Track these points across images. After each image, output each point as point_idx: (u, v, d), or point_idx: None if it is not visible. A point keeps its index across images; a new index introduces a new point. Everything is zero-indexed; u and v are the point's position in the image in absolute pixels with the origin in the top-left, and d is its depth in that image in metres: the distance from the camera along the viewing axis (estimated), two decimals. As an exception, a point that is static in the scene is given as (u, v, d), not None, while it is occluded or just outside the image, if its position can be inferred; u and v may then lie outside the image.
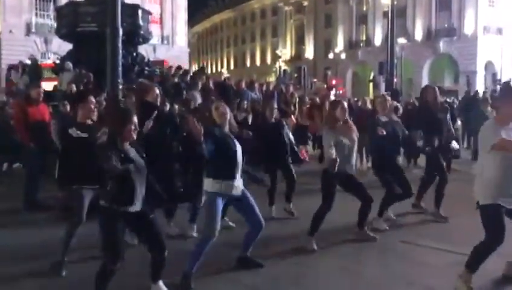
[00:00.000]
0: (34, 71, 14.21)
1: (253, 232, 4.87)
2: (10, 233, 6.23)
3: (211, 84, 13.29)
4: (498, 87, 31.54)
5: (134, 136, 3.96)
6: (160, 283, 4.23)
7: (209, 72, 73.46)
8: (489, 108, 12.09)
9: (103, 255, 4.01)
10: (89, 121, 5.06)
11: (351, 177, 5.68)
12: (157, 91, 6.06)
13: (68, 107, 8.97)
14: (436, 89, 7.23)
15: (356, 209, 5.87)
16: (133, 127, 3.91)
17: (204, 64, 74.22)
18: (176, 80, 13.31)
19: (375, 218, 6.35)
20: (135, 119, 3.95)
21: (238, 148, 4.66)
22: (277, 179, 7.11)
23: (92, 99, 5.16)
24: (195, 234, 5.98)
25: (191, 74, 14.66)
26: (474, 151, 11.82)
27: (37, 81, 10.66)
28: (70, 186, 4.98)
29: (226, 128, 4.71)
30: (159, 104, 6.06)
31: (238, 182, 4.66)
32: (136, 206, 3.92)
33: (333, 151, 5.32)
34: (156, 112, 5.74)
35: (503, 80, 37.70)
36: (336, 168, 5.23)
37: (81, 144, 4.81)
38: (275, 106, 7.25)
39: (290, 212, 7.11)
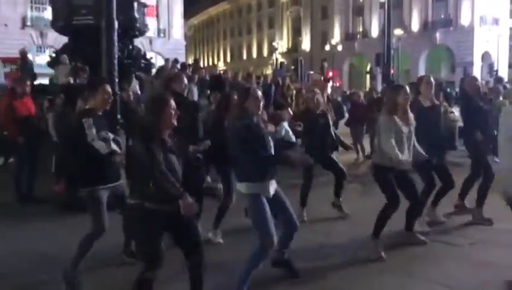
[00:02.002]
0: (24, 65, 14.17)
1: (286, 231, 4.39)
2: (3, 228, 6.22)
3: (207, 77, 13.28)
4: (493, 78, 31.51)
5: (175, 123, 3.49)
6: None
7: (206, 64, 73.31)
8: (501, 98, 11.43)
9: (140, 261, 3.52)
10: (100, 113, 4.49)
11: (404, 171, 5.17)
12: (186, 81, 5.67)
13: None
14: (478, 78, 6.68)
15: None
16: (172, 112, 3.47)
17: (199, 57, 74.06)
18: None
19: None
20: (173, 103, 3.51)
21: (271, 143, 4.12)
22: (313, 178, 6.59)
23: (108, 88, 4.57)
24: (221, 240, 5.54)
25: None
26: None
27: (24, 75, 10.61)
28: (82, 190, 4.38)
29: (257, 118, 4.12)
30: (185, 94, 5.72)
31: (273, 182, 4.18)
32: (175, 204, 3.40)
33: (397, 151, 4.86)
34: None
35: (499, 70, 37.78)
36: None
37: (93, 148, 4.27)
38: (320, 97, 6.65)
39: (339, 206, 6.68)
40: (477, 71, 41.47)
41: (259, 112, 4.17)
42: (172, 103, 3.50)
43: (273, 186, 4.16)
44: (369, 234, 5.19)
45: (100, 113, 4.50)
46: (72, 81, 10.66)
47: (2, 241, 5.67)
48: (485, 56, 43.29)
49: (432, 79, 6.21)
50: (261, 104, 4.15)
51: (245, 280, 3.99)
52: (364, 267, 4.89)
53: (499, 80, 15.54)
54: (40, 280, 4.61)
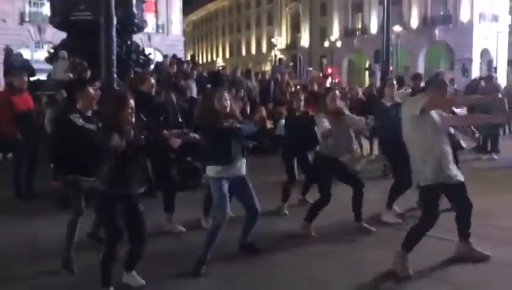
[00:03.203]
0: (7, 61, 14.21)
1: (250, 217, 5.00)
2: (2, 224, 6.22)
3: (205, 74, 13.28)
4: (494, 75, 31.48)
5: (132, 120, 4.00)
6: (134, 272, 4.29)
7: (205, 61, 73.29)
8: (500, 95, 11.61)
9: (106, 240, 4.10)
10: (89, 113, 4.89)
11: (342, 163, 5.78)
12: (152, 81, 6.05)
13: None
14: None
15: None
16: (130, 111, 3.97)
17: (198, 53, 73.94)
18: (175, 69, 13.26)
19: (384, 211, 6.25)
20: (132, 103, 4.00)
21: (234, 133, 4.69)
22: (295, 175, 6.88)
23: (91, 89, 5.06)
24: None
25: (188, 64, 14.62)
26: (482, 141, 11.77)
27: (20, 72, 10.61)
28: (65, 177, 4.79)
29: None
30: (153, 93, 6.06)
31: (237, 164, 4.75)
32: (129, 190, 4.00)
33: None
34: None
35: (498, 67, 37.80)
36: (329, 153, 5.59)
37: (84, 134, 4.63)
38: (302, 97, 7.02)
39: (305, 200, 7.00)
40: (476, 68, 41.48)
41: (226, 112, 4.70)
42: (131, 102, 4.00)
43: (231, 171, 4.70)
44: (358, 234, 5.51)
45: (89, 114, 4.86)
46: (71, 76, 10.65)
47: (1, 238, 5.67)
48: (484, 53, 43.26)
49: (394, 82, 6.81)
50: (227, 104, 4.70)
51: (209, 245, 4.68)
52: (361, 264, 4.90)
53: (489, 77, 15.60)
54: (39, 271, 4.68)
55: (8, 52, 15.25)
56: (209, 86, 12.10)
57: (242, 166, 4.83)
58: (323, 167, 5.73)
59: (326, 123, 5.50)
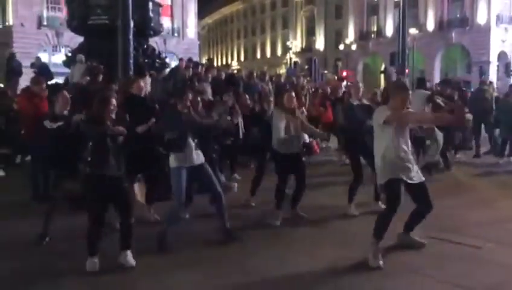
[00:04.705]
0: (9, 65, 14.39)
1: (217, 202, 5.45)
2: (16, 224, 6.33)
3: (222, 76, 13.30)
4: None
5: (113, 116, 4.70)
6: (128, 252, 4.70)
7: (220, 64, 73.47)
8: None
9: (88, 217, 4.66)
10: (66, 112, 5.65)
11: (296, 157, 6.33)
12: (142, 83, 6.32)
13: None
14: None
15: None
16: (111, 108, 4.69)
17: (213, 56, 74.18)
18: (191, 72, 13.30)
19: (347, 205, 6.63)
20: (113, 101, 4.72)
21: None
22: (264, 171, 7.31)
23: (66, 94, 5.80)
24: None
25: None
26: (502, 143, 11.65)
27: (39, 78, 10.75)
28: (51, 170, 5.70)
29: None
30: (143, 94, 6.30)
31: (192, 154, 5.27)
32: (109, 171, 4.60)
33: (282, 134, 6.12)
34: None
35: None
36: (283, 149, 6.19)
37: (55, 133, 5.42)
38: (271, 98, 7.59)
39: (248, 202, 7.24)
40: (493, 71, 41.02)
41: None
42: (113, 101, 4.74)
43: (186, 160, 5.23)
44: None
45: (65, 114, 5.62)
46: (89, 79, 10.73)
47: (16, 239, 5.76)
48: (501, 56, 42.78)
49: (360, 84, 7.19)
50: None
51: (166, 231, 5.21)
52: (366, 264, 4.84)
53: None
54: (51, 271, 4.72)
55: (11, 56, 15.47)
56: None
57: (198, 156, 5.32)
58: (277, 161, 6.39)
59: (283, 122, 6.09)
